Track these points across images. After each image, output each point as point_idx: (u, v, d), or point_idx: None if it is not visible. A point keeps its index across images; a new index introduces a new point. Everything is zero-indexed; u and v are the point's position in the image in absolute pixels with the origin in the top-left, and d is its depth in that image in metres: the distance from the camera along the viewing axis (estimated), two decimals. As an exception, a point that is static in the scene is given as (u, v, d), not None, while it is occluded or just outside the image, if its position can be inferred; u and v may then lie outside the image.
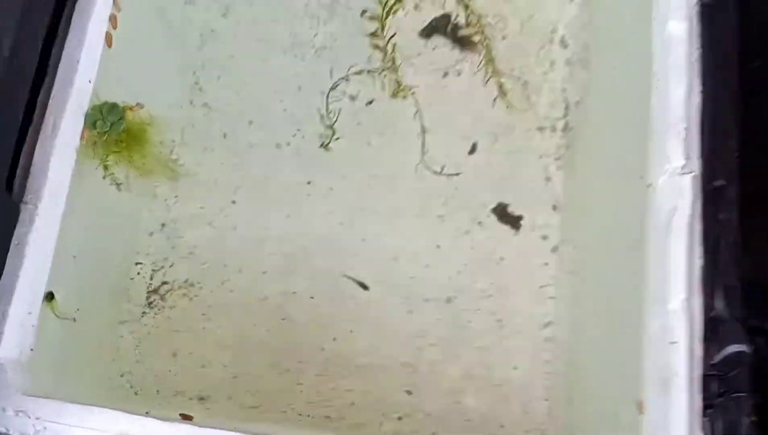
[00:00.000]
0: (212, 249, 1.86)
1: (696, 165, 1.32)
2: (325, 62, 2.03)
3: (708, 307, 1.25)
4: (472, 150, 1.96)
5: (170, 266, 1.85)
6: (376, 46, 1.77)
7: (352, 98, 1.98)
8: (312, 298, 1.82)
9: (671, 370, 1.23)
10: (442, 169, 1.91)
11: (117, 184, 1.57)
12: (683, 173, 1.33)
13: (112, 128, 1.53)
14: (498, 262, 1.85)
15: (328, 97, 1.90)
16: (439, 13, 2.07)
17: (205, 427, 1.26)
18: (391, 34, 1.77)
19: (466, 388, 1.75)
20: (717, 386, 1.22)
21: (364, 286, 1.81)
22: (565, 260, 1.82)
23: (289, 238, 1.87)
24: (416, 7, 2.05)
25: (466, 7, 1.92)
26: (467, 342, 1.79)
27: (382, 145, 1.95)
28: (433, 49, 2.06)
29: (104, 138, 1.54)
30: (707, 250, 1.27)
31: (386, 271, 1.84)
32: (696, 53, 1.41)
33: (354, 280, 1.81)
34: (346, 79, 1.93)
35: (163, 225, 1.88)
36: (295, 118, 1.98)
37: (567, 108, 1.98)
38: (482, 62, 1.91)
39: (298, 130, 1.98)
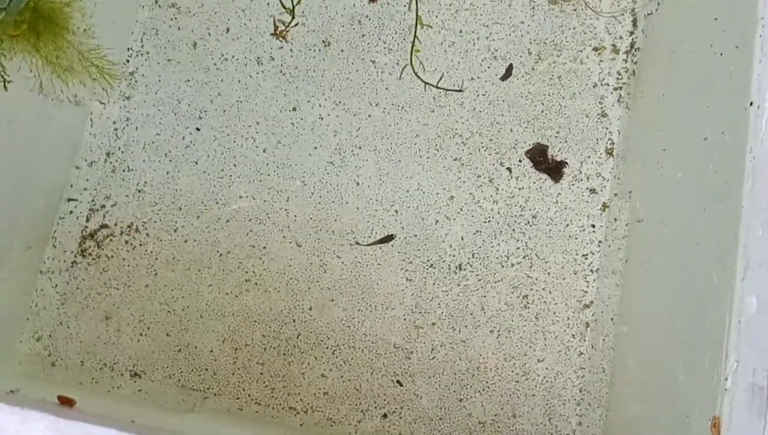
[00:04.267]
0: (166, 186, 1.49)
1: None
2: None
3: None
4: (507, 74, 1.53)
5: (112, 205, 1.49)
6: None
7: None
8: (286, 256, 1.44)
9: None
10: (439, 79, 1.49)
11: (4, 79, 1.18)
12: None
13: (12, 3, 1.16)
14: (529, 222, 1.44)
15: None
16: None
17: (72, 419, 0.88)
18: None
19: (473, 383, 1.37)
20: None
21: (389, 238, 1.42)
22: (618, 222, 1.40)
23: (263, 178, 1.49)
24: None
25: None
26: (480, 323, 1.39)
27: (387, 62, 1.53)
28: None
29: (1, 18, 1.16)
30: None
31: (382, 226, 1.45)
32: None
33: (374, 242, 1.43)
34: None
35: (108, 154, 1.52)
36: (277, 24, 1.57)
37: (635, 22, 1.53)
38: None
39: (286, 42, 1.56)
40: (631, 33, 1.55)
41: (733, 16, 1.18)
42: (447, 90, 1.50)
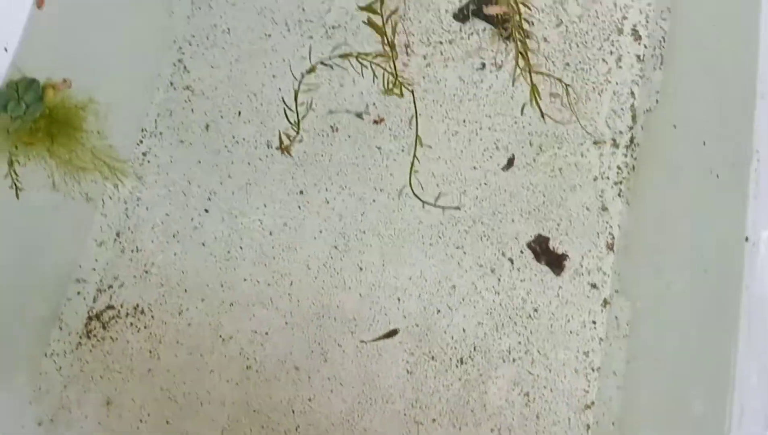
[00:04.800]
0: (173, 268, 1.34)
1: None
2: (335, 43, 1.48)
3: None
4: (509, 164, 1.39)
5: (120, 286, 1.34)
6: (371, 24, 1.19)
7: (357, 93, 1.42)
8: (289, 343, 1.29)
9: None
10: (437, 198, 1.35)
11: (17, 187, 1.04)
12: None
13: (27, 113, 1.02)
14: (530, 315, 1.29)
15: (298, 87, 1.34)
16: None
17: None
18: (392, 10, 1.19)
19: (473, 482, 1.21)
20: None
21: (392, 333, 1.27)
22: (620, 319, 1.25)
23: (268, 262, 1.34)
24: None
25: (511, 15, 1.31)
26: (481, 421, 1.24)
27: (393, 149, 1.39)
28: (470, 35, 1.48)
29: (16, 124, 1.01)
30: None
31: (384, 314, 1.30)
32: None
33: (378, 338, 1.27)
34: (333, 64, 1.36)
35: (118, 234, 1.36)
36: (282, 138, 1.44)
37: (634, 118, 1.39)
38: (514, 52, 1.32)
39: (302, 101, 1.43)
40: (631, 128, 1.41)
41: (725, 141, 1.06)
42: (445, 208, 1.35)
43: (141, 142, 1.42)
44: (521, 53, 1.22)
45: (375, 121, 1.37)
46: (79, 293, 1.32)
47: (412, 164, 1.29)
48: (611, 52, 1.44)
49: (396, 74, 1.23)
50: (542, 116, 1.33)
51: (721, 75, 1.16)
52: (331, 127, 1.42)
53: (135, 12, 1.36)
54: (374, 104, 1.42)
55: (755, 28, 0.99)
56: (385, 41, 1.17)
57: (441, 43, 1.48)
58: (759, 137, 0.92)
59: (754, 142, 0.92)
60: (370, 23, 1.15)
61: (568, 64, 1.44)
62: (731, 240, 0.93)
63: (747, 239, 0.89)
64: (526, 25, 1.32)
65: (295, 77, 1.31)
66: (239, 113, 1.45)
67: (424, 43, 1.47)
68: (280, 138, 1.37)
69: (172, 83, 1.47)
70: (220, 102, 1.46)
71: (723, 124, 1.06)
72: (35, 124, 1.04)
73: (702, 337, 0.99)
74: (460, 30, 1.49)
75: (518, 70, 1.25)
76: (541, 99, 1.28)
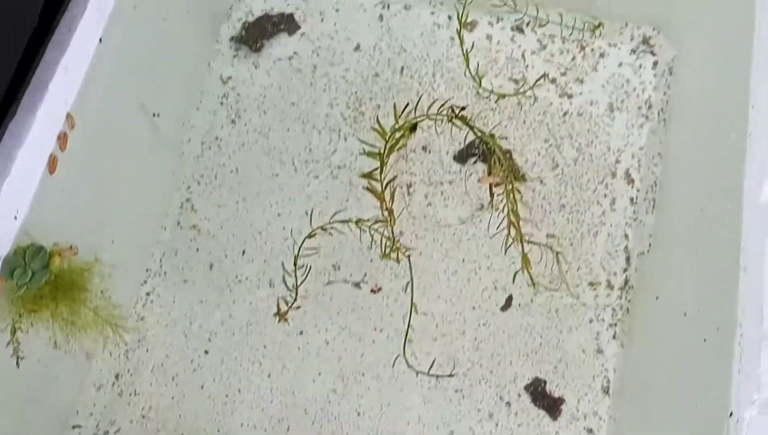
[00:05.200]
0: (171, 412, 1.37)
1: None
2: (341, 183, 1.56)
3: None
4: (507, 304, 1.43)
5: (116, 432, 1.37)
6: (371, 191, 1.27)
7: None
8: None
9: None
10: (431, 366, 1.39)
11: (18, 357, 1.09)
12: None
13: (33, 280, 1.07)
14: (527, 461, 1.30)
15: (298, 253, 1.41)
16: (476, 130, 1.57)
17: None
18: (392, 177, 1.27)
19: None
20: None
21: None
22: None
23: (265, 406, 1.37)
24: (448, 127, 1.57)
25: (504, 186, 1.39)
26: None
27: (393, 288, 1.45)
28: (469, 175, 1.56)
29: (22, 291, 1.06)
30: None
31: (381, 461, 1.31)
32: None
33: None
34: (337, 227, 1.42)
35: (117, 376, 1.41)
36: (296, 248, 1.50)
37: (628, 260, 1.44)
38: (503, 210, 1.38)
39: (301, 264, 1.49)
40: (625, 270, 1.45)
41: (710, 306, 1.10)
42: (439, 376, 1.39)
43: (145, 282, 1.48)
44: (512, 223, 1.29)
45: (372, 291, 1.43)
46: (77, 438, 1.36)
47: (407, 334, 1.33)
48: (605, 195, 1.51)
49: (393, 240, 1.29)
50: (533, 285, 1.39)
51: (709, 228, 1.21)
52: (333, 265, 1.48)
53: (146, 162, 1.44)
54: (371, 271, 1.47)
55: (739, 194, 1.05)
56: (384, 207, 1.24)
57: (442, 183, 1.56)
58: (742, 309, 0.96)
59: (737, 314, 0.96)
60: (370, 189, 1.22)
61: (563, 205, 1.50)
62: (717, 413, 0.95)
63: (731, 414, 0.92)
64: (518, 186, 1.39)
65: (295, 241, 1.38)
66: (243, 252, 1.51)
67: (425, 183, 1.54)
68: (278, 305, 1.42)
69: (179, 222, 1.54)
70: (225, 241, 1.52)
71: (708, 288, 1.10)
72: (40, 290, 1.07)
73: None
74: (460, 171, 1.57)
75: (510, 240, 1.31)
76: (531, 268, 1.34)
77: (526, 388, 1.36)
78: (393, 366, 1.37)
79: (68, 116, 1.15)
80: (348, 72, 1.67)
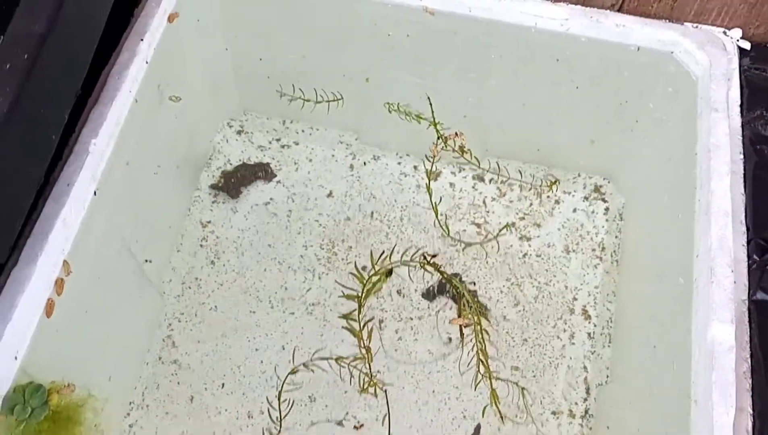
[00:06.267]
0: None
1: None
2: (315, 320, 1.72)
3: None
4: (475, 433, 1.58)
5: None
6: (349, 330, 1.45)
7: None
8: None
9: None
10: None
11: None
12: None
13: (32, 416, 1.17)
14: None
15: (281, 387, 1.56)
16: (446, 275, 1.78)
17: None
18: (368, 319, 1.46)
19: None
20: None
21: None
22: None
23: None
24: (421, 272, 1.77)
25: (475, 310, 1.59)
26: None
27: (367, 418, 1.59)
28: (437, 312, 1.75)
29: (21, 426, 1.17)
30: None
31: None
32: (745, 364, 1.09)
33: None
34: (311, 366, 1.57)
35: (99, 506, 1.49)
36: (274, 382, 1.65)
37: (588, 390, 1.62)
38: (472, 348, 1.56)
39: (276, 397, 1.63)
40: (585, 400, 1.63)
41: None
42: None
43: (128, 414, 1.60)
44: (481, 361, 1.47)
45: (355, 427, 1.58)
46: None
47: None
48: (564, 330, 1.70)
49: (371, 376, 1.46)
50: (501, 418, 1.56)
51: (662, 362, 1.40)
52: (309, 397, 1.62)
53: (132, 302, 1.60)
54: (351, 405, 1.63)
55: (688, 333, 1.24)
56: (362, 345, 1.42)
57: (411, 319, 1.74)
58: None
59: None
60: (348, 329, 1.40)
61: (526, 340, 1.69)
62: None
63: None
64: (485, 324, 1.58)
65: (274, 374, 1.53)
66: (223, 385, 1.65)
67: (396, 319, 1.72)
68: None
69: (160, 358, 1.68)
70: (205, 375, 1.66)
71: (661, 417, 1.28)
72: (39, 425, 1.17)
73: None
74: (428, 307, 1.76)
75: (479, 376, 1.48)
76: (499, 402, 1.51)
77: None
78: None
79: (65, 263, 1.27)
80: (321, 216, 1.88)
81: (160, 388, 1.64)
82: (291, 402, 1.55)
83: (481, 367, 1.44)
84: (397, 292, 1.75)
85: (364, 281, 1.44)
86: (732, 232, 1.20)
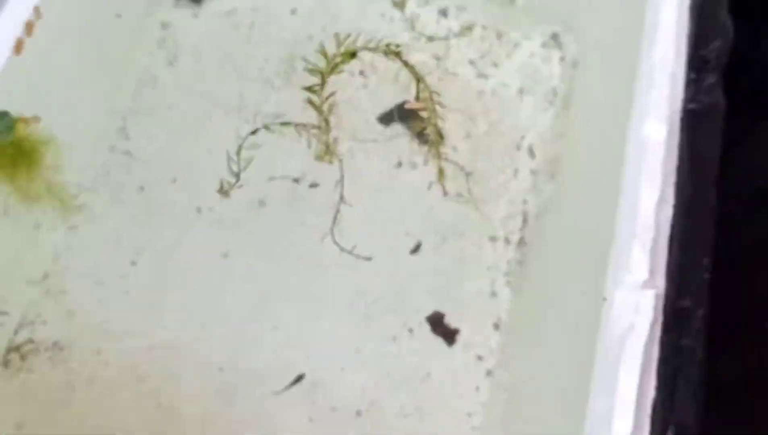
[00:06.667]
0: (96, 312, 1.54)
1: (660, 281, 1.09)
2: (270, 133, 1.77)
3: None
4: (416, 249, 1.68)
5: (42, 323, 1.52)
6: (311, 102, 1.51)
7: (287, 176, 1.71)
8: (201, 387, 1.49)
9: None
10: (353, 248, 1.63)
11: None
12: (645, 288, 1.08)
13: None
14: (423, 379, 1.54)
15: (242, 142, 1.61)
16: (401, 99, 1.84)
17: None
18: (330, 93, 1.52)
19: None
20: None
21: (300, 378, 1.49)
22: (499, 387, 1.52)
23: (188, 314, 1.56)
24: (376, 87, 1.82)
25: (430, 95, 1.66)
26: (373, 468, 1.45)
27: (315, 224, 1.67)
28: (390, 138, 1.81)
29: None
30: (663, 382, 1.00)
31: (293, 368, 1.52)
32: (673, 162, 1.19)
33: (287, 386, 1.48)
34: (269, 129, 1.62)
35: (45, 276, 1.56)
36: (223, 183, 1.70)
37: (525, 221, 1.73)
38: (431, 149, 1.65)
39: (228, 198, 1.70)
40: (521, 229, 1.74)
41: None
42: (358, 256, 1.63)
43: (78, 195, 1.65)
44: (432, 142, 1.56)
45: (311, 186, 1.65)
46: (1, 325, 1.50)
47: (336, 214, 1.56)
48: (510, 165, 1.80)
49: (328, 144, 1.53)
50: (444, 194, 1.65)
51: (598, 199, 1.50)
52: (259, 201, 1.69)
53: (94, 76, 1.62)
54: (299, 184, 1.70)
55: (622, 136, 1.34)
56: (322, 117, 1.49)
57: (364, 141, 1.80)
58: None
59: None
60: (310, 102, 1.46)
61: (472, 172, 1.78)
62: (591, 305, 1.23)
63: (604, 299, 1.19)
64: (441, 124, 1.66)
65: (239, 136, 1.58)
66: (174, 180, 1.70)
67: (350, 138, 1.79)
68: (221, 184, 1.62)
69: (113, 147, 1.72)
70: (156, 168, 1.71)
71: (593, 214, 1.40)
72: (2, 150, 1.26)
73: (559, 418, 1.28)
74: (383, 132, 1.82)
75: (430, 154, 1.57)
76: (445, 180, 1.60)
77: (428, 318, 1.60)
78: (317, 269, 1.59)
79: (36, 8, 1.33)
80: (283, 31, 1.89)
81: (111, 175, 1.69)
82: (250, 159, 1.60)
83: (431, 148, 1.53)
84: (354, 110, 1.80)
85: (328, 58, 1.48)
86: (674, 51, 1.28)
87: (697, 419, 0.99)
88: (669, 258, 1.12)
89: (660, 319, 1.09)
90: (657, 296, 1.10)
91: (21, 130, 1.26)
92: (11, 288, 1.52)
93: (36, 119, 1.29)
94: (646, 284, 1.11)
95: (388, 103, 1.86)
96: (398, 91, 1.84)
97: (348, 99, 1.80)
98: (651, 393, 1.03)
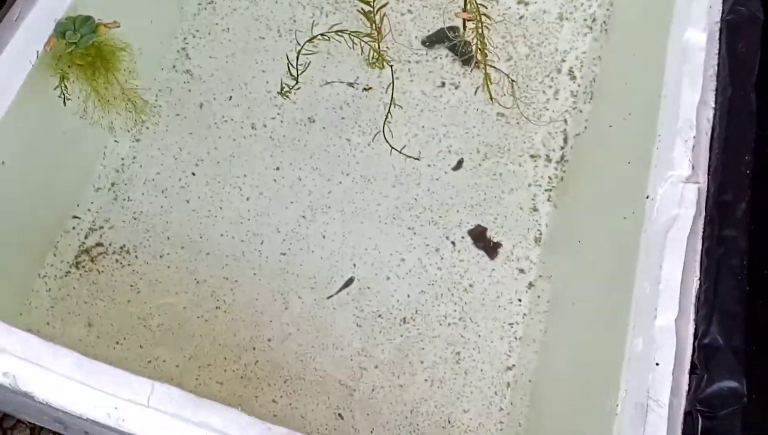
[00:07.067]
0: (159, 218, 1.50)
1: (702, 177, 1.06)
2: (319, 52, 1.69)
3: (701, 332, 0.91)
4: (458, 165, 1.61)
5: (110, 228, 1.49)
6: (362, 12, 1.43)
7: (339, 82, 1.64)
8: (254, 290, 1.46)
9: (650, 395, 0.88)
10: (403, 148, 1.57)
11: (65, 98, 1.24)
12: (687, 182, 1.01)
13: (81, 41, 1.23)
14: (466, 289, 1.49)
15: (300, 49, 1.53)
16: (446, 24, 1.75)
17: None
18: (383, 3, 1.43)
19: (405, 425, 1.38)
20: (702, 424, 0.87)
21: (350, 281, 1.45)
22: (540, 299, 1.46)
23: (243, 223, 1.52)
24: (420, 12, 1.73)
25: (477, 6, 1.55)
26: (417, 372, 1.42)
27: (360, 142, 1.60)
28: (434, 59, 1.73)
29: (71, 50, 1.23)
30: (706, 271, 0.93)
31: (340, 275, 1.48)
32: (713, 67, 1.11)
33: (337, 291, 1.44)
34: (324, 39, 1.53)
35: (113, 184, 1.53)
36: (277, 101, 1.64)
37: (566, 140, 1.64)
38: (479, 65, 1.56)
39: (278, 113, 1.63)
40: (562, 147, 1.65)
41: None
42: (408, 156, 1.57)
43: (143, 111, 1.59)
44: (479, 49, 1.47)
45: (365, 89, 1.59)
46: (74, 228, 1.47)
47: (387, 115, 1.49)
48: (550, 87, 1.70)
49: (380, 51, 1.46)
50: (491, 99, 1.57)
51: (639, 111, 1.41)
52: (309, 118, 1.63)
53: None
54: (347, 104, 1.63)
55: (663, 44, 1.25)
56: (374, 27, 1.41)
57: (409, 61, 1.72)
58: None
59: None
60: (363, 13, 1.38)
61: (516, 80, 1.69)
62: (631, 213, 1.15)
63: (648, 197, 1.11)
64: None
65: (298, 42, 1.51)
66: (230, 97, 1.64)
67: (395, 60, 1.70)
68: (281, 85, 1.57)
69: (174, 66, 1.66)
70: (214, 86, 1.65)
71: (634, 125, 1.31)
72: (86, 50, 1.23)
73: (605, 296, 1.21)
74: (426, 54, 1.73)
75: (476, 59, 1.49)
76: (492, 84, 1.52)
77: (470, 232, 1.54)
78: (363, 182, 1.53)
79: None
80: (335, -40, 1.80)
81: (173, 92, 1.64)
82: (307, 62, 1.54)
83: (479, 54, 1.46)
84: (399, 33, 1.71)
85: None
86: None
87: (742, 306, 0.93)
88: (710, 156, 1.06)
89: (703, 213, 1.03)
90: (700, 190, 1.04)
91: (102, 33, 1.21)
92: (83, 194, 1.49)
93: (116, 24, 1.25)
94: (689, 179, 1.05)
95: (432, 27, 1.76)
96: (440, 16, 1.76)
97: (393, 24, 1.71)
98: (695, 283, 0.97)
